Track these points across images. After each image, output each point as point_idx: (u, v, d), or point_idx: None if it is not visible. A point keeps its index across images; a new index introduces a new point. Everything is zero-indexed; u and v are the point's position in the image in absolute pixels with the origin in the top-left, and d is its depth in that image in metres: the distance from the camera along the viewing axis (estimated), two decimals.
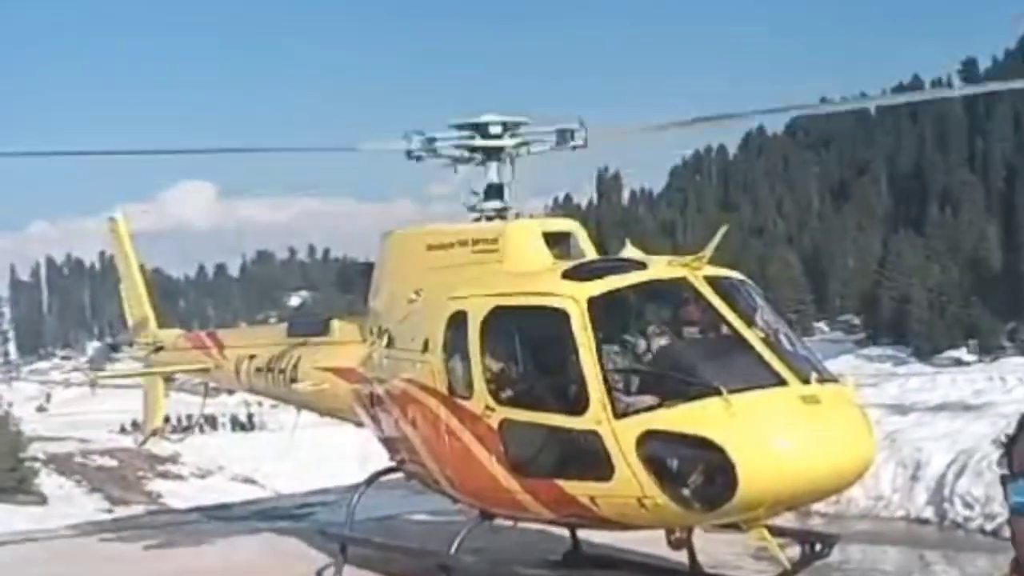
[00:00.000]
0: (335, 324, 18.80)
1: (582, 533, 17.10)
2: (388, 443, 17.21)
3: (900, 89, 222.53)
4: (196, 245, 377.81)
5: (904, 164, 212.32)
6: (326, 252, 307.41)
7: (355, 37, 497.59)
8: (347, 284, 19.18)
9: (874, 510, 20.79)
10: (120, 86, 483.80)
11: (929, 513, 20.13)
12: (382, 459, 17.71)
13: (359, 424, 18.26)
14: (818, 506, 20.61)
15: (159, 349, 23.94)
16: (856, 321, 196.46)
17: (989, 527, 19.01)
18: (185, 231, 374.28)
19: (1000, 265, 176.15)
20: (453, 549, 14.92)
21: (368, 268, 17.88)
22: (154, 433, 25.00)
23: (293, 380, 19.17)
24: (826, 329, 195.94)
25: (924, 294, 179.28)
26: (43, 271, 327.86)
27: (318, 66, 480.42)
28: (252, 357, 20.53)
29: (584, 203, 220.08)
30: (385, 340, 16.63)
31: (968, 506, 19.48)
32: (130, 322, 25.31)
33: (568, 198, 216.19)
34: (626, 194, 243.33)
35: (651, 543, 15.46)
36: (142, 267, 26.22)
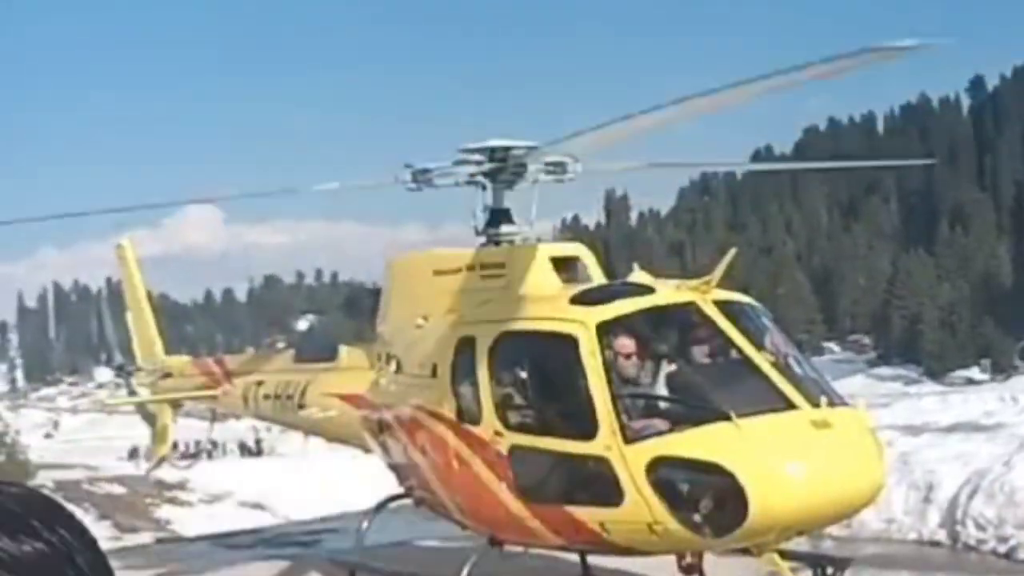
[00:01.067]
0: (343, 350, 18.83)
1: (592, 559, 17.00)
2: (397, 469, 17.19)
3: (907, 108, 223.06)
4: (203, 270, 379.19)
5: (913, 182, 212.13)
6: (334, 276, 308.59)
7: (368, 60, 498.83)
8: (354, 309, 19.13)
9: (886, 532, 20.66)
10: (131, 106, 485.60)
11: (941, 535, 20.00)
12: (392, 485, 17.65)
13: (367, 450, 18.23)
14: (830, 529, 20.46)
15: (166, 376, 23.92)
16: (866, 341, 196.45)
17: (1002, 549, 18.90)
18: (192, 256, 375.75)
19: (1011, 283, 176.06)
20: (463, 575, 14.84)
21: (375, 293, 17.90)
22: (162, 460, 25.01)
23: (301, 407, 19.18)
24: (836, 349, 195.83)
25: (935, 313, 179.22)
26: (50, 297, 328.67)
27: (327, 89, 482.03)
28: (260, 383, 20.51)
29: (592, 224, 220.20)
30: (393, 366, 16.64)
31: (981, 528, 19.35)
32: (137, 349, 25.27)
33: (576, 219, 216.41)
34: (634, 215, 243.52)
35: (662, 568, 15.35)
36: (149, 293, 26.20)
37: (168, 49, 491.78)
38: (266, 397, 20.30)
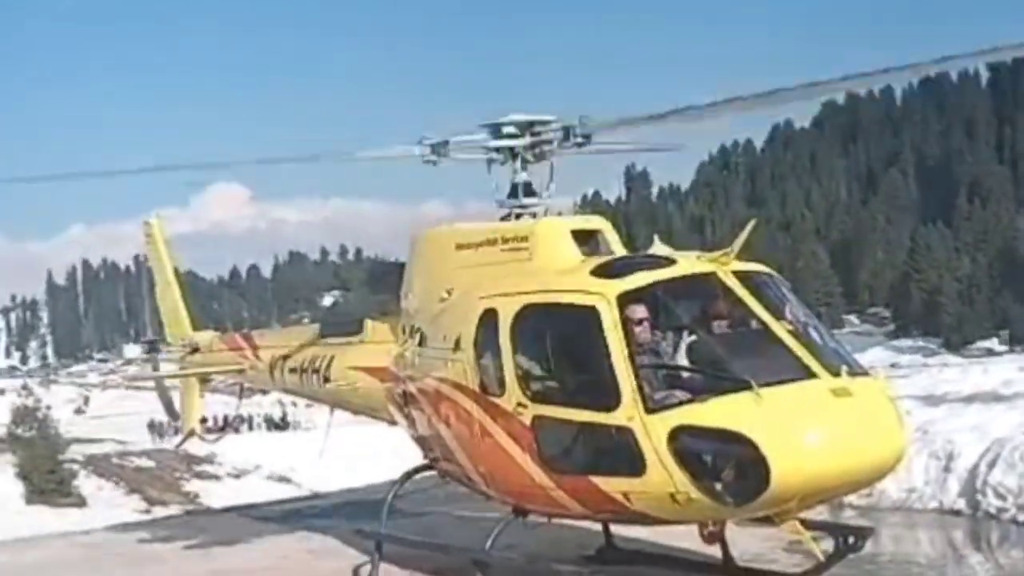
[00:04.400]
0: (368, 324, 18.82)
1: (615, 528, 17.20)
2: (421, 441, 17.25)
3: (925, 81, 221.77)
4: (229, 247, 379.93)
5: (932, 155, 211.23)
6: (358, 252, 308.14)
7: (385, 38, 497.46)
8: (378, 284, 19.10)
9: (907, 502, 20.77)
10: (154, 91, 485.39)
11: (962, 504, 20.10)
12: (416, 457, 17.82)
13: (392, 423, 18.30)
14: (850, 499, 20.65)
15: (195, 351, 24.08)
16: (886, 313, 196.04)
17: (1022, 518, 19.01)
18: (218, 233, 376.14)
19: None
20: (488, 545, 14.96)
21: (399, 268, 17.92)
22: (191, 434, 25.09)
23: (327, 380, 19.28)
24: (856, 322, 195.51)
25: (953, 285, 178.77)
26: (79, 275, 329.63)
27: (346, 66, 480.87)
28: (286, 357, 20.62)
29: (612, 199, 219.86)
30: (417, 339, 16.67)
31: (1001, 497, 19.46)
32: (166, 325, 25.42)
33: (597, 194, 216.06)
34: (654, 191, 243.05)
35: (685, 538, 15.54)
36: (176, 270, 26.33)
37: (193, 33, 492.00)
38: (292, 371, 20.42)
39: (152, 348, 25.81)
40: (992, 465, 19.85)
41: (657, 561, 17.15)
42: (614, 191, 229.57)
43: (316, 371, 19.60)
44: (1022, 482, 19.27)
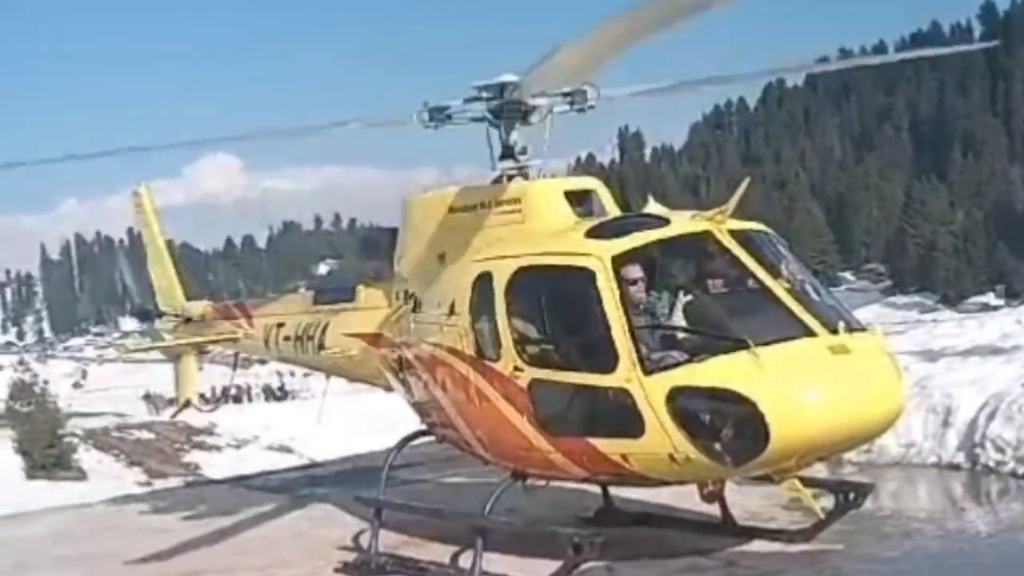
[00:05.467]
0: (361, 290, 18.74)
1: (614, 489, 17.23)
2: (418, 407, 17.23)
3: (918, 37, 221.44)
4: (223, 218, 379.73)
5: (925, 110, 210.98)
6: (352, 221, 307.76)
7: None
8: (372, 250, 19.03)
9: (906, 457, 20.80)
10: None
11: (961, 459, 20.11)
12: (414, 424, 17.83)
13: (388, 389, 18.28)
14: (849, 455, 20.66)
15: (188, 321, 23.97)
16: (882, 270, 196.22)
17: (1021, 471, 19.00)
18: (212, 204, 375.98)
19: None
20: (487, 510, 14.93)
21: (392, 233, 17.82)
22: (187, 405, 25.03)
23: (321, 347, 19.17)
24: (852, 279, 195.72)
25: (949, 240, 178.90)
26: (73, 249, 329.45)
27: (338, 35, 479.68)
28: (280, 326, 20.55)
29: (607, 162, 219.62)
30: (412, 304, 16.61)
31: (1000, 450, 19.48)
32: (158, 295, 25.28)
33: (591, 157, 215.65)
34: (648, 152, 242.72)
35: (683, 497, 15.58)
36: (169, 242, 26.23)
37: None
38: (287, 339, 20.34)
39: (145, 316, 25.64)
40: (991, 419, 19.88)
41: (657, 521, 17.19)
42: (608, 153, 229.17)
43: (311, 338, 19.52)
44: (1021, 435, 19.29)
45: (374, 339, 17.89)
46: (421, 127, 16.45)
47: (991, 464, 19.55)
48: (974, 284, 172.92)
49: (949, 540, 15.75)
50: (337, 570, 16.86)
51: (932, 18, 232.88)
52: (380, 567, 16.42)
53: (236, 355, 24.24)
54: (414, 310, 16.56)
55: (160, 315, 25.02)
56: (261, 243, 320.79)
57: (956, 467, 20.10)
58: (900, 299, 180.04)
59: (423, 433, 17.46)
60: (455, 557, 16.14)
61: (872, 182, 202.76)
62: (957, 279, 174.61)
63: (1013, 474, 19.13)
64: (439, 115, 16.32)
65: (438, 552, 16.52)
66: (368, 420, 37.48)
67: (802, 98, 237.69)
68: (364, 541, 17.25)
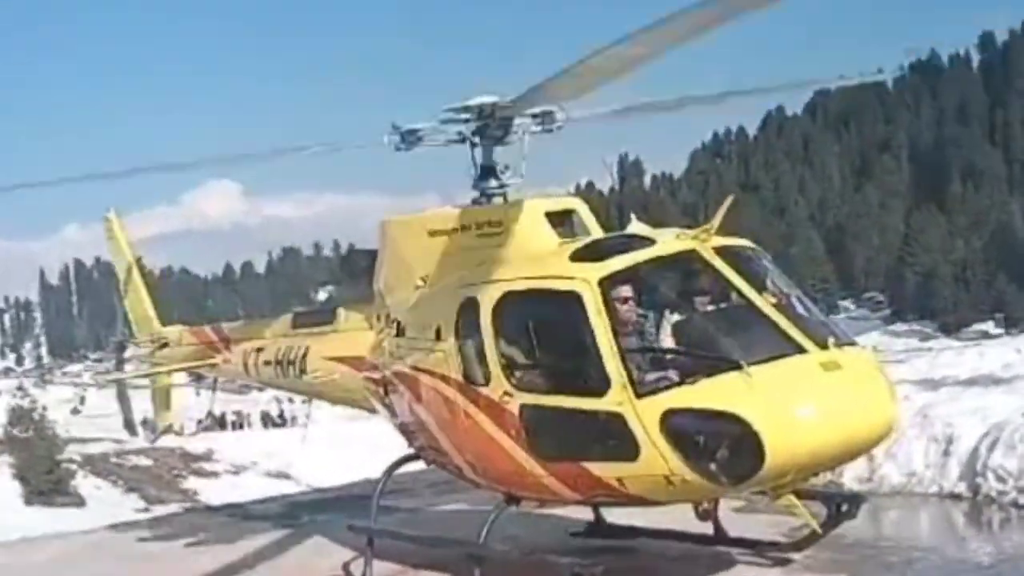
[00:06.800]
0: (341, 313, 18.61)
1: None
2: (405, 431, 17.02)
3: (917, 65, 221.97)
4: (222, 243, 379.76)
5: (924, 140, 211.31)
6: (351, 247, 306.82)
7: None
8: (351, 272, 18.71)
9: (907, 486, 20.74)
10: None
11: (962, 488, 20.03)
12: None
13: (372, 411, 18.11)
14: (850, 484, 20.72)
15: (164, 346, 23.61)
16: (881, 298, 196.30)
17: (1023, 500, 18.99)
18: (211, 230, 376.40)
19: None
20: (482, 538, 14.88)
21: (372, 255, 17.65)
22: (166, 431, 24.76)
23: (303, 371, 18.99)
24: (851, 307, 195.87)
25: (948, 269, 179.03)
26: (72, 274, 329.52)
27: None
28: (260, 350, 20.30)
29: (606, 189, 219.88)
30: (395, 329, 16.48)
31: (1001, 480, 19.42)
32: (132, 321, 24.89)
33: (591, 184, 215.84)
34: (647, 179, 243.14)
35: (674, 511, 15.53)
36: (140, 265, 25.66)
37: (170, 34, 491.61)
38: (267, 363, 20.08)
39: (120, 348, 25.33)
40: (992, 448, 19.80)
41: (648, 535, 17.17)
42: (607, 181, 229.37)
43: (292, 363, 19.31)
44: (1022, 465, 19.22)
45: (357, 363, 17.71)
46: (392, 149, 16.24)
47: (992, 494, 19.48)
48: (973, 313, 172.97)
49: (951, 570, 15.69)
50: None
51: (931, 47, 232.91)
52: None
53: (215, 380, 24.02)
54: (397, 334, 16.43)
55: (134, 342, 24.66)
56: (260, 269, 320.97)
57: (957, 497, 20.02)
58: (900, 327, 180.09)
59: (412, 458, 17.27)
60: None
61: (871, 211, 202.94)
62: (956, 308, 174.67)
63: (1015, 504, 19.06)
64: (411, 137, 16.17)
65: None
66: (368, 445, 37.42)
67: (801, 126, 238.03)
68: (359, 571, 17.06)
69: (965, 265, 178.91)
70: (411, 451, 17.26)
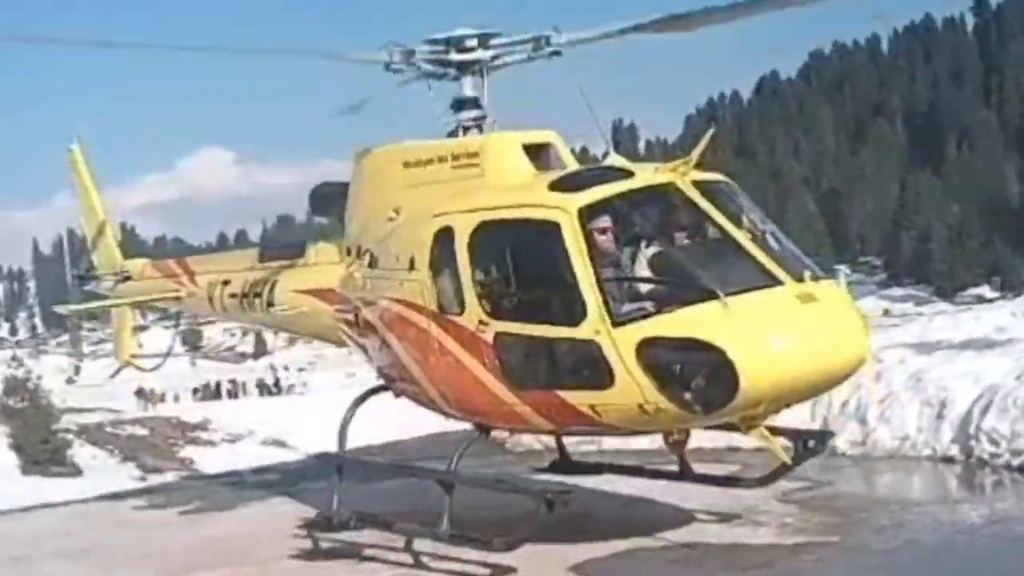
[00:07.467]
0: (310, 246, 18.53)
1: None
2: (375, 362, 16.98)
3: (912, 29, 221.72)
4: (216, 212, 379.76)
5: (919, 103, 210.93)
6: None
7: None
8: (320, 204, 18.44)
9: (900, 450, 20.83)
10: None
11: (955, 451, 20.12)
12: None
13: (341, 344, 18.12)
14: (843, 447, 20.85)
15: (126, 279, 23.37)
16: (877, 262, 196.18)
17: (1016, 463, 19.04)
18: (205, 198, 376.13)
19: (1019, 200, 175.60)
20: (453, 464, 14.94)
21: (343, 188, 17.43)
22: (126, 365, 24.53)
23: (271, 304, 18.89)
24: (847, 271, 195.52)
25: (943, 233, 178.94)
26: (65, 244, 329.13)
27: None
28: (226, 283, 20.14)
29: (600, 155, 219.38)
30: (367, 260, 16.42)
31: (994, 443, 19.49)
32: (93, 253, 24.67)
33: (584, 150, 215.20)
34: (642, 144, 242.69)
35: (639, 443, 15.67)
36: (102, 197, 24.88)
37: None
38: (232, 296, 19.95)
39: (84, 280, 24.97)
40: (985, 411, 19.88)
41: (614, 471, 17.27)
42: (601, 146, 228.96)
43: (258, 295, 19.22)
44: (1015, 428, 19.31)
45: (327, 295, 17.66)
46: (382, 67, 15.95)
47: (985, 457, 19.57)
48: (969, 277, 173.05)
49: (943, 532, 15.75)
50: (299, 527, 16.91)
51: (925, 11, 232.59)
52: (343, 523, 16.40)
53: (178, 314, 23.86)
54: (370, 265, 16.36)
55: (96, 274, 24.36)
56: (255, 236, 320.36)
57: (950, 460, 20.13)
58: (896, 291, 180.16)
59: (381, 389, 17.25)
60: (421, 513, 15.90)
61: (866, 175, 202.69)
62: (952, 272, 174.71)
63: (1007, 466, 19.16)
64: (407, 59, 15.91)
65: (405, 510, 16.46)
66: (364, 412, 37.38)
67: (796, 91, 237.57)
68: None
69: (960, 229, 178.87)
70: (379, 383, 17.21)
